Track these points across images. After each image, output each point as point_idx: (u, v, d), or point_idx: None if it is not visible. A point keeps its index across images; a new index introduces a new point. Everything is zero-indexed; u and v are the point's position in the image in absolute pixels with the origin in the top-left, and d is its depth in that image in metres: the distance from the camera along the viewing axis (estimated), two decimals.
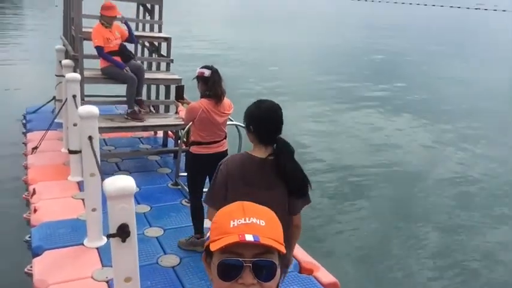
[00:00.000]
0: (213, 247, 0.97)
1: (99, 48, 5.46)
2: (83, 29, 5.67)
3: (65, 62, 5.83)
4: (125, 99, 5.82)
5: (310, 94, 13.46)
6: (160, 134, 6.80)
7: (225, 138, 3.98)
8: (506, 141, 10.43)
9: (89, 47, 5.98)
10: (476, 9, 75.41)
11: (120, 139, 6.63)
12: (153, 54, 6.94)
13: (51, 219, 4.26)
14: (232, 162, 2.34)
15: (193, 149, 3.83)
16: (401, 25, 40.77)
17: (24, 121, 7.41)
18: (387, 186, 7.44)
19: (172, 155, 6.23)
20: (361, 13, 53.46)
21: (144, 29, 7.12)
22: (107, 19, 5.48)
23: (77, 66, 5.70)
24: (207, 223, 3.89)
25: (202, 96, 3.77)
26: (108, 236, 2.37)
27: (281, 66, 17.66)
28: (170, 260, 3.84)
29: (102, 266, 3.66)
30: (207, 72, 3.72)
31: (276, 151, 2.29)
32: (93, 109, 3.69)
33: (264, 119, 2.31)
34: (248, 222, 0.98)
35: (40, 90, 9.11)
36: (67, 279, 3.46)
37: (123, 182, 2.38)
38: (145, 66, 6.58)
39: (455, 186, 7.66)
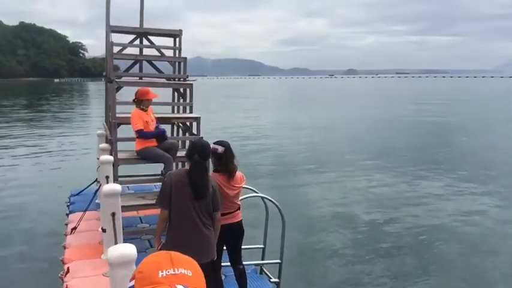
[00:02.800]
0: None
1: (141, 132, 5.78)
2: (118, 115, 6.15)
3: (102, 146, 6.26)
4: (161, 177, 6.07)
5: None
6: None
7: (239, 209, 4.05)
8: None
9: (123, 131, 6.44)
10: None
11: (155, 216, 6.81)
12: (186, 134, 7.32)
13: None
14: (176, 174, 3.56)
15: None
16: None
17: (68, 203, 7.83)
18: None
19: None
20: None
21: (178, 111, 7.61)
22: (146, 103, 5.87)
23: (113, 149, 6.11)
24: None
25: (214, 171, 3.93)
26: None
27: None
28: None
29: None
30: (220, 149, 3.91)
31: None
32: (116, 187, 3.91)
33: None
34: (177, 272, 1.02)
35: (86, 174, 9.71)
36: None
37: (125, 249, 2.47)
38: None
39: None
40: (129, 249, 2.49)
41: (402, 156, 16.17)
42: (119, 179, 5.94)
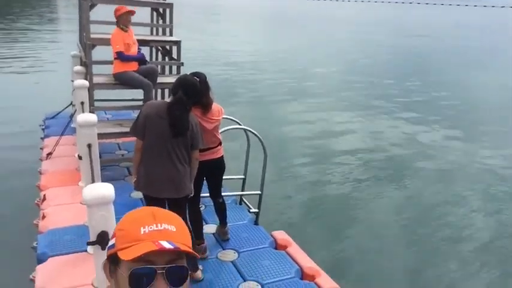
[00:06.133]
0: (126, 256, 0.92)
1: (121, 54, 5.42)
2: (94, 35, 5.74)
3: (76, 68, 5.92)
4: (140, 103, 5.83)
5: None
6: None
7: (220, 144, 3.93)
8: None
9: (99, 53, 6.05)
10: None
11: (133, 143, 6.67)
12: (166, 58, 6.97)
13: (58, 226, 4.31)
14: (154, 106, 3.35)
15: None
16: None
17: (43, 127, 7.57)
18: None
19: None
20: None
21: (157, 33, 7.18)
22: (124, 20, 5.43)
23: (88, 73, 5.78)
24: (206, 229, 3.83)
25: None
26: (88, 244, 2.36)
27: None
28: None
29: None
30: None
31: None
32: (91, 117, 3.71)
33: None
34: (160, 228, 0.96)
35: (61, 96, 9.33)
36: (67, 286, 3.48)
37: (103, 190, 2.36)
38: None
39: None
40: (105, 190, 2.38)
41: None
42: (95, 103, 5.67)
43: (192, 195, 3.54)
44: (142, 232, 0.95)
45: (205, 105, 3.70)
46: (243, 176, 5.61)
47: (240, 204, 5.64)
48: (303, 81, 16.75)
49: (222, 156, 3.95)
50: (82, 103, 5.05)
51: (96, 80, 5.61)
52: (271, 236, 4.44)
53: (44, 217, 4.49)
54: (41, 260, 3.82)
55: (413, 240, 6.09)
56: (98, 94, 6.39)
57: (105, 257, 1.02)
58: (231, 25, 39.64)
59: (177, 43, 6.41)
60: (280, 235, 4.44)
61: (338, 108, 13.18)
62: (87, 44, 5.63)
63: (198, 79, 3.67)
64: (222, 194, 5.14)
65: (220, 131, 4.74)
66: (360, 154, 9.27)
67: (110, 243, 1.00)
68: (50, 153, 6.03)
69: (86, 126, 3.68)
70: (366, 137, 10.53)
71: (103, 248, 2.36)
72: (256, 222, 5.07)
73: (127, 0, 6.45)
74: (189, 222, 3.80)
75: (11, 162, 7.40)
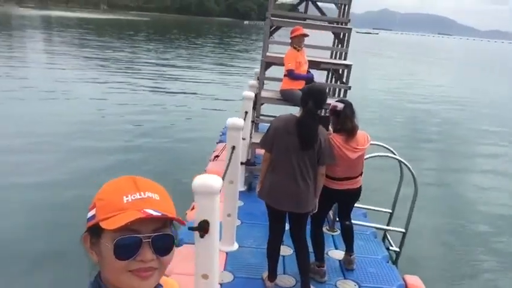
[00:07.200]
0: (110, 225, 0.89)
1: (291, 72, 5.69)
2: (270, 54, 6.18)
3: (251, 82, 6.44)
4: None
5: None
6: None
7: (361, 175, 3.73)
8: None
9: (274, 71, 6.47)
10: None
11: None
12: (338, 82, 7.03)
13: None
14: (283, 119, 3.32)
15: (326, 182, 3.60)
16: None
17: (221, 133, 8.44)
18: None
19: None
20: None
21: (335, 58, 7.33)
22: (298, 41, 5.72)
23: (259, 87, 6.23)
24: (332, 254, 3.63)
25: (334, 131, 3.65)
26: (189, 229, 2.53)
27: None
28: (284, 280, 3.78)
29: (223, 270, 3.85)
30: (339, 106, 3.60)
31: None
32: (238, 121, 3.98)
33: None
34: (144, 196, 0.94)
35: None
36: (186, 272, 3.75)
37: (210, 181, 2.50)
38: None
39: None
40: (213, 181, 2.50)
41: None
42: (261, 117, 6.07)
43: (315, 211, 3.45)
44: (125, 201, 0.92)
45: (349, 130, 3.55)
46: (389, 210, 5.24)
47: (383, 240, 5.26)
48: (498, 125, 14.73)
49: (360, 186, 3.75)
50: (246, 112, 5.46)
51: (263, 94, 6.01)
52: (403, 279, 3.98)
53: (192, 208, 4.97)
54: (177, 245, 4.22)
55: None
56: (267, 109, 6.84)
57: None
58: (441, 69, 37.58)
59: (348, 67, 6.39)
60: (413, 281, 3.95)
61: None
62: (262, 60, 6.09)
63: (343, 103, 3.61)
64: (363, 223, 4.89)
65: (369, 155, 4.54)
66: None
67: (90, 214, 0.95)
68: (217, 156, 6.68)
69: (233, 128, 3.97)
70: None
71: (201, 236, 2.49)
72: (393, 262, 4.64)
73: (307, 23, 6.79)
74: (310, 241, 3.71)
75: (190, 159, 8.45)
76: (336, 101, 3.70)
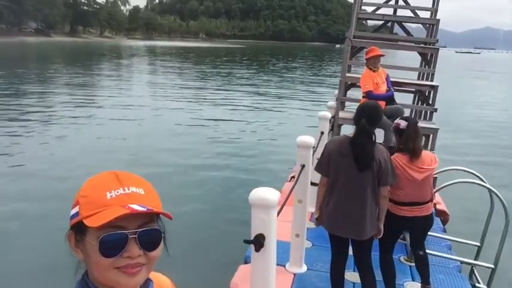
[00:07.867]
0: (94, 222, 0.87)
1: (369, 93, 5.55)
2: (349, 75, 6.09)
3: (329, 103, 6.35)
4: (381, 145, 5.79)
5: None
6: None
7: (431, 201, 3.44)
8: None
9: (357, 93, 6.36)
10: None
11: None
12: (424, 103, 6.68)
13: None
14: (335, 141, 3.24)
15: (390, 207, 3.38)
16: None
17: None
18: None
19: None
20: None
21: (422, 79, 7.03)
22: (373, 62, 5.61)
23: (337, 107, 6.14)
24: (408, 286, 3.36)
25: (397, 151, 3.44)
26: (244, 241, 2.52)
27: None
28: None
29: None
30: (402, 124, 3.39)
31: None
32: (308, 139, 3.92)
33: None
34: (128, 192, 0.92)
35: None
36: None
37: (267, 194, 2.48)
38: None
39: None
40: (270, 195, 2.47)
41: None
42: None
43: (379, 236, 3.24)
44: (108, 197, 0.90)
45: (413, 151, 3.35)
46: (478, 243, 4.76)
47: (470, 276, 4.78)
48: None
49: (431, 214, 3.46)
50: (322, 133, 5.38)
51: (341, 114, 5.90)
52: None
53: None
54: (245, 262, 4.22)
55: None
56: (347, 129, 6.69)
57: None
58: None
59: (434, 88, 6.07)
60: None
61: None
62: (341, 81, 6.01)
63: (407, 121, 3.42)
64: (445, 255, 4.50)
65: (455, 181, 4.20)
66: None
67: (73, 211, 0.93)
68: (293, 177, 6.63)
69: (302, 146, 3.92)
70: None
71: (257, 250, 2.46)
72: None
73: (391, 44, 6.59)
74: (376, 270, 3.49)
75: (271, 178, 8.52)
76: (400, 119, 3.51)
